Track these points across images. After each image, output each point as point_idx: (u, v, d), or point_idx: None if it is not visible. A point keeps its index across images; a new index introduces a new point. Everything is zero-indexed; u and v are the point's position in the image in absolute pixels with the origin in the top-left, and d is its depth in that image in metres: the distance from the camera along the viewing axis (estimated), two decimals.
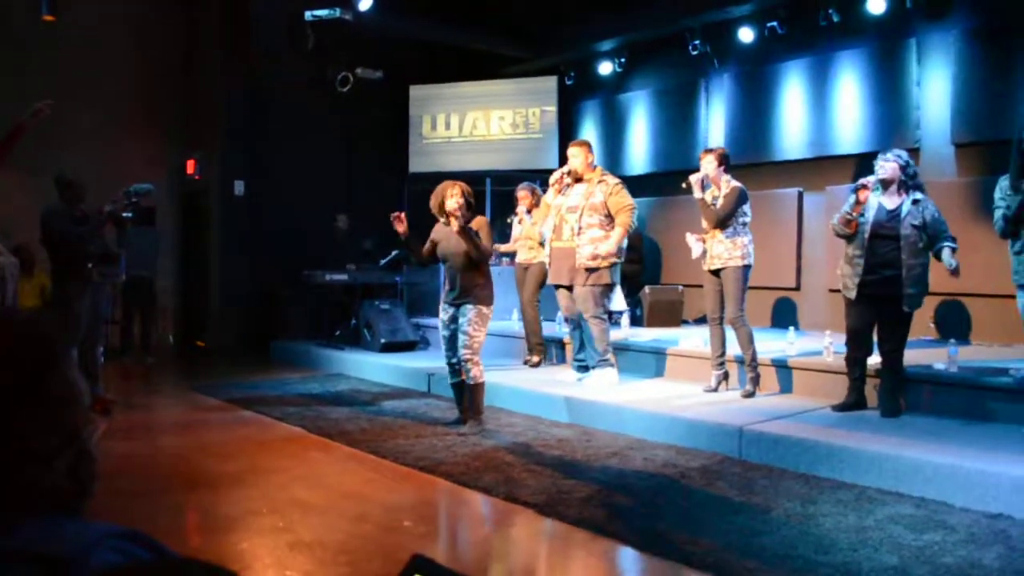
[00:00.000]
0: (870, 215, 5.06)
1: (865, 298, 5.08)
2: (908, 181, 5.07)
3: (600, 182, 6.21)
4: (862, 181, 5.03)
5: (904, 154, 5.17)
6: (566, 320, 6.62)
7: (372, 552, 3.47)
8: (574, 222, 6.21)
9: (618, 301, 6.55)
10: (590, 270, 6.11)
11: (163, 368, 8.78)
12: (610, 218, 6.14)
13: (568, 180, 6.32)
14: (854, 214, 5.03)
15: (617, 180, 6.29)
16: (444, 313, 5.53)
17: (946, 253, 4.92)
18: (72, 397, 0.90)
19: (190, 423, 6.07)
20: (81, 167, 6.57)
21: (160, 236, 9.41)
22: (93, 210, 6.05)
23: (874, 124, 7.75)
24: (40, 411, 0.86)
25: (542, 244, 7.17)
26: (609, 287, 6.24)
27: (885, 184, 5.08)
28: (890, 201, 5.07)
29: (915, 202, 5.00)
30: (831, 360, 5.74)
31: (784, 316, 8.09)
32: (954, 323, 6.93)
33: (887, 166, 5.07)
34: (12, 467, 0.84)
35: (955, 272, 4.90)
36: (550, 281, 6.56)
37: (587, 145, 6.40)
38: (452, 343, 5.49)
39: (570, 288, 6.31)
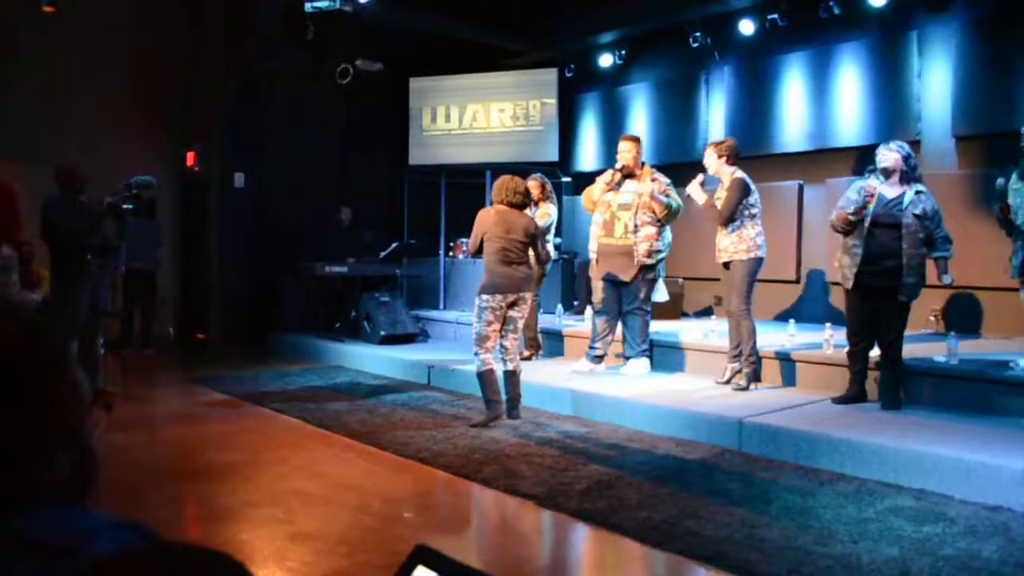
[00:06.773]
0: (870, 205, 5.06)
1: (863, 288, 5.08)
2: (909, 173, 5.07)
3: (653, 180, 6.32)
4: (869, 188, 5.00)
5: (905, 145, 5.17)
6: (598, 312, 6.55)
7: (372, 543, 3.48)
8: (628, 219, 6.31)
9: (661, 292, 6.61)
10: (645, 266, 6.27)
11: (163, 360, 8.77)
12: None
13: (619, 177, 6.38)
14: (857, 217, 5.02)
15: (668, 180, 6.41)
16: None
17: (941, 268, 5.04)
18: (73, 396, 0.89)
19: (190, 415, 6.07)
20: (81, 159, 6.54)
21: (162, 228, 9.38)
22: (94, 202, 6.04)
23: (875, 117, 7.73)
24: (41, 412, 0.85)
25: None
26: (655, 280, 6.42)
27: (887, 173, 5.07)
28: (890, 191, 5.06)
29: (917, 192, 5.01)
30: (831, 353, 5.74)
31: (784, 309, 8.08)
32: (954, 316, 6.93)
33: (889, 155, 5.07)
34: (13, 467, 0.83)
35: (950, 285, 5.01)
36: (598, 277, 6.47)
37: (638, 140, 6.49)
38: None
39: (616, 283, 6.38)
